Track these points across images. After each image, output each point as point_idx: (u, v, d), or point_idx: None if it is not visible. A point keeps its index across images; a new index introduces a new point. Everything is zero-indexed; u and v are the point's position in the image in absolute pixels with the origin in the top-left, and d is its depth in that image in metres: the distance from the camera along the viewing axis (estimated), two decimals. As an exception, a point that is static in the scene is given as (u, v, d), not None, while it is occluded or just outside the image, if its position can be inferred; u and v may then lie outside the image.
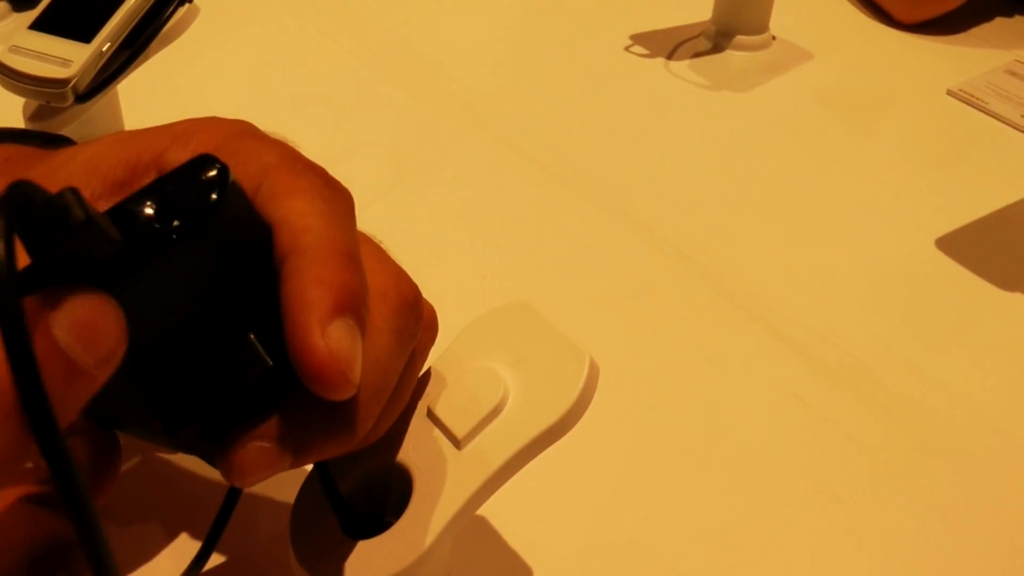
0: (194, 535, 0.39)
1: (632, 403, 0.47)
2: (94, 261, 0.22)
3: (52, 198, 0.21)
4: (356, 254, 0.28)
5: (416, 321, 0.30)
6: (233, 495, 0.32)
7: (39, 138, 0.39)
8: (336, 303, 0.26)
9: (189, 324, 0.26)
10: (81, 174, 0.30)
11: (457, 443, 0.31)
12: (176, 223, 0.24)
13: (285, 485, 0.33)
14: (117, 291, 0.23)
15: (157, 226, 0.24)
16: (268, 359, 0.27)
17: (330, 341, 0.25)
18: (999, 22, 0.82)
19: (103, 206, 0.29)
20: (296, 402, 0.27)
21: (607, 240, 0.57)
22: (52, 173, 0.31)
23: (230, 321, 0.27)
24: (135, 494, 0.40)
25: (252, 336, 0.27)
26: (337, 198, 0.29)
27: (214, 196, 0.24)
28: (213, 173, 0.25)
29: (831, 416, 0.47)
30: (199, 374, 0.26)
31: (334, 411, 0.28)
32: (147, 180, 0.30)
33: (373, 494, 0.33)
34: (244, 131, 0.31)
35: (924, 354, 0.50)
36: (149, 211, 0.24)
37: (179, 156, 0.30)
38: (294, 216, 0.27)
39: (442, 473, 0.31)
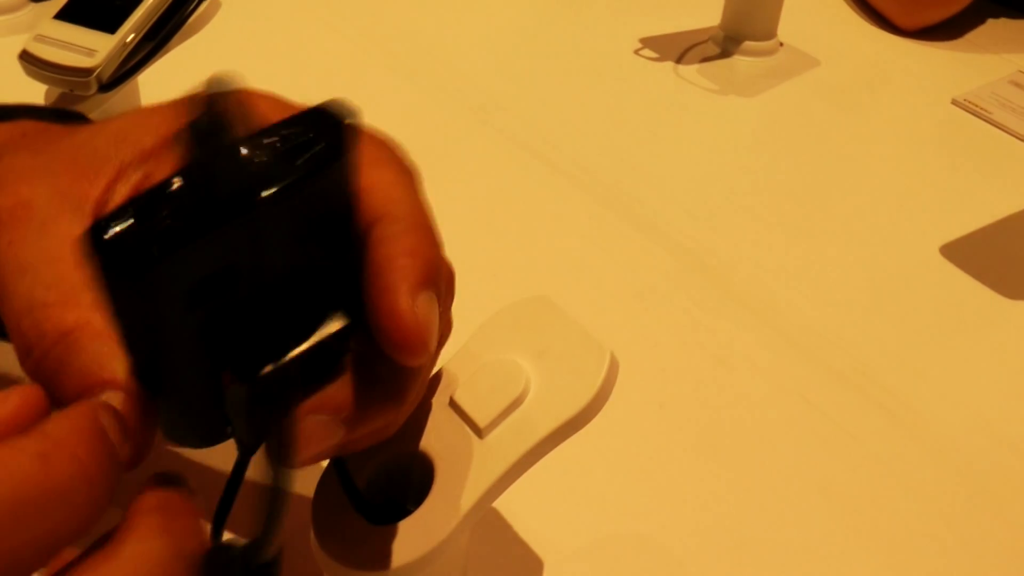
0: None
1: (642, 400, 0.47)
2: (233, 178, 0.23)
3: (228, 107, 0.22)
4: (437, 230, 0.28)
5: (447, 291, 0.31)
6: (235, 480, 0.32)
7: (54, 114, 0.40)
8: (426, 275, 0.27)
9: (282, 273, 0.26)
10: (110, 144, 0.30)
11: (479, 432, 0.32)
12: (308, 155, 0.24)
13: (303, 477, 0.34)
14: (247, 217, 0.23)
15: (290, 159, 0.24)
16: (347, 317, 0.27)
17: (418, 310, 0.26)
18: (992, 25, 0.83)
19: (134, 174, 0.30)
20: (349, 374, 0.28)
21: (615, 240, 0.58)
22: (80, 147, 0.31)
23: (314, 277, 0.27)
24: (140, 483, 0.41)
25: (331, 295, 0.27)
26: (413, 171, 0.30)
27: (342, 136, 0.25)
28: (339, 117, 0.25)
29: (836, 418, 0.47)
30: (278, 325, 0.26)
31: (384, 382, 0.28)
32: (179, 149, 0.30)
33: (394, 482, 0.33)
34: (285, 102, 0.31)
35: (928, 358, 0.51)
36: (280, 144, 0.24)
37: None
38: (384, 185, 0.28)
39: (464, 461, 0.31)
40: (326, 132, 0.25)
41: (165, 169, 0.28)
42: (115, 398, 0.26)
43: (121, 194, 0.30)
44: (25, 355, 0.27)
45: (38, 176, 0.30)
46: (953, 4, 0.80)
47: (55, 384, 0.27)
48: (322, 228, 0.26)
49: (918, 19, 0.80)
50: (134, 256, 0.22)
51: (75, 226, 0.28)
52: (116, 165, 0.30)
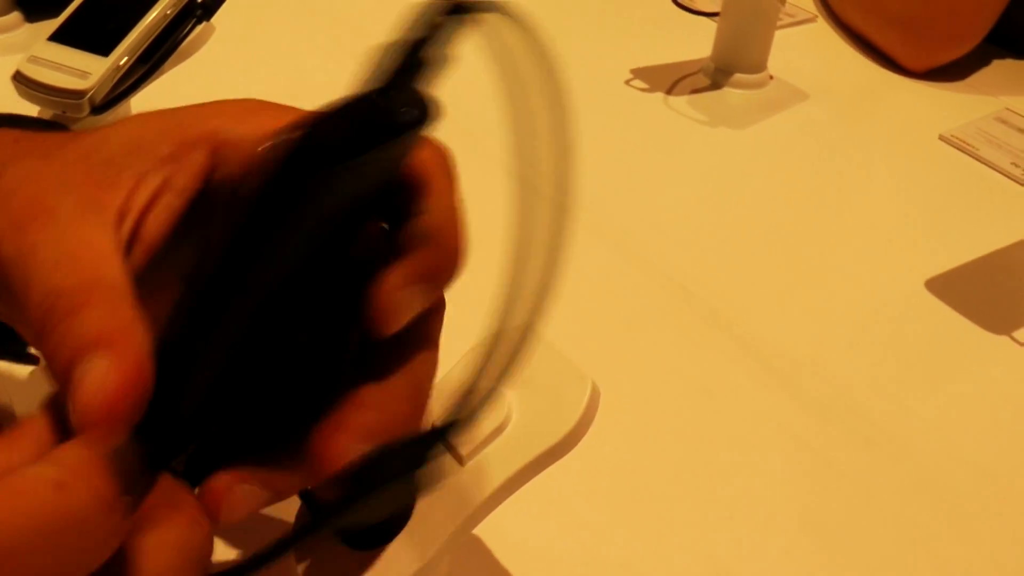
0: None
1: (627, 430, 0.48)
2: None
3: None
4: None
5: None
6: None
7: (35, 124, 0.40)
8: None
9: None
10: (125, 153, 0.30)
11: (460, 459, 0.32)
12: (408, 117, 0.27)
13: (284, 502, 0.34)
14: (353, 161, 0.25)
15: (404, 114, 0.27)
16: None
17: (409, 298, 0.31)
18: (983, 63, 0.83)
19: (154, 180, 0.30)
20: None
21: (603, 269, 0.58)
22: (90, 155, 0.30)
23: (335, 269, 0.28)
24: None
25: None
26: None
27: (431, 101, 0.27)
28: (423, 92, 0.27)
29: (819, 449, 0.48)
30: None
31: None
32: (198, 154, 0.30)
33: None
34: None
35: (911, 391, 0.52)
36: (384, 103, 0.26)
37: (239, 131, 0.31)
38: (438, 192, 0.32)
39: (444, 488, 0.32)
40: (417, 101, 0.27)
41: (186, 173, 0.29)
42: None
43: (142, 199, 0.30)
44: (36, 339, 0.26)
45: (59, 184, 0.29)
46: (962, 46, 0.80)
47: (58, 346, 0.25)
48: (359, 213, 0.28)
49: (927, 61, 0.80)
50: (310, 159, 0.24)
51: (98, 230, 0.28)
52: (134, 174, 0.30)
